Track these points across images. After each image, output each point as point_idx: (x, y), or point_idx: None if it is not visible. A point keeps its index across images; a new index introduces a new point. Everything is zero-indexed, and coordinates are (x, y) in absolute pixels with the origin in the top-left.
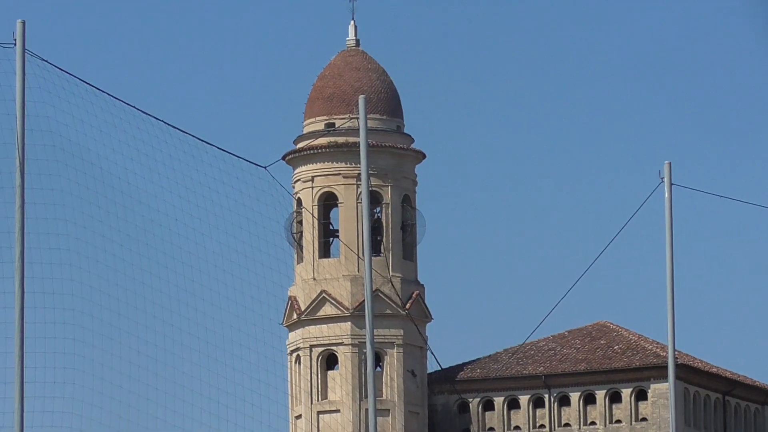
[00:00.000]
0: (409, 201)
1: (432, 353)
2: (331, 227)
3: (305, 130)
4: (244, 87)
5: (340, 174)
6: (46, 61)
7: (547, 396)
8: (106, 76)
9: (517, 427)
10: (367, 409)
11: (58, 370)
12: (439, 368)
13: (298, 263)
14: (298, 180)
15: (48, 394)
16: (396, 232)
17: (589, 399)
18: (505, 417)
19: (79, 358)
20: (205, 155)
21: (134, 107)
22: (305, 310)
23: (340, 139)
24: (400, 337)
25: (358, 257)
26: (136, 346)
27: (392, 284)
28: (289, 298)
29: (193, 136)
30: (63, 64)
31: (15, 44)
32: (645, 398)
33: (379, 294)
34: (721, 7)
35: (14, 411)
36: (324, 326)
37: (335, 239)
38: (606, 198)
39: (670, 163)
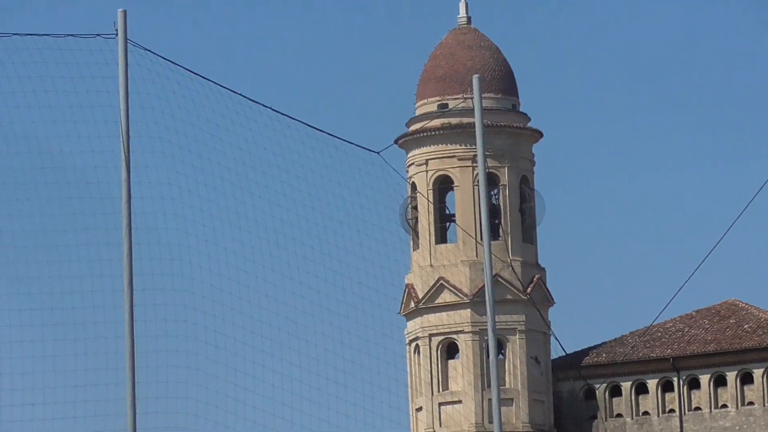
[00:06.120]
0: (527, 182)
1: (556, 338)
2: (447, 212)
3: (418, 112)
4: (355, 71)
5: (455, 156)
6: (149, 50)
7: (676, 379)
8: (210, 65)
9: (645, 413)
10: (490, 399)
11: (171, 368)
12: (564, 354)
13: (414, 250)
14: (412, 164)
15: (161, 395)
16: (514, 215)
17: (720, 381)
18: (633, 402)
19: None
20: (316, 142)
21: (242, 95)
22: (423, 298)
23: (454, 120)
24: (522, 323)
25: (477, 242)
26: (251, 343)
27: (512, 269)
28: (406, 286)
29: (303, 123)
30: (165, 53)
31: (116, 34)
32: None
33: (499, 279)
34: None
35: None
36: (443, 314)
37: (452, 224)
38: (732, 173)
39: None
